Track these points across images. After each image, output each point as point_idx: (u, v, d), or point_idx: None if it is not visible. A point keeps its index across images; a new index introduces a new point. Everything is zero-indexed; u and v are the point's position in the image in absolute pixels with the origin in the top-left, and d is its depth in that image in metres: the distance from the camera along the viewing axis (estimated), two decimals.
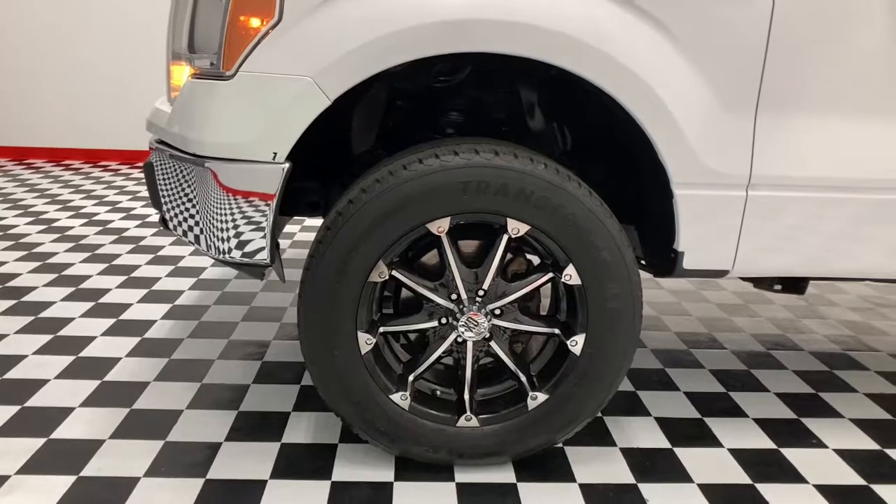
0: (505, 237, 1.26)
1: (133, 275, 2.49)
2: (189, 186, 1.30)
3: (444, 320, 1.32)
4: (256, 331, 2.04)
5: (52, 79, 4.56)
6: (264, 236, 1.26)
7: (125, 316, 2.11)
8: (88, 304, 2.19)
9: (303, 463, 1.40)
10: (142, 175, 4.26)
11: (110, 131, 4.71)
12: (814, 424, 1.63)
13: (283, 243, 2.97)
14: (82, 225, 3.14)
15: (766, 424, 1.62)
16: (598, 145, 1.52)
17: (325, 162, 1.61)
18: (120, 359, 1.82)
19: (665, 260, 1.36)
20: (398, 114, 1.59)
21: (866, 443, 1.55)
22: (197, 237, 1.35)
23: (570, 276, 1.27)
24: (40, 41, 4.51)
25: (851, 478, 1.41)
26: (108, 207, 3.49)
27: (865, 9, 1.21)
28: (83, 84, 4.59)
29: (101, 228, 3.09)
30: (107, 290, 2.32)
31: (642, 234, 1.51)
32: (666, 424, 1.60)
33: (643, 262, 1.52)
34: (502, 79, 1.51)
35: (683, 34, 1.19)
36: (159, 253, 2.76)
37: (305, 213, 1.68)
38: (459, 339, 1.32)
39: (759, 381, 1.84)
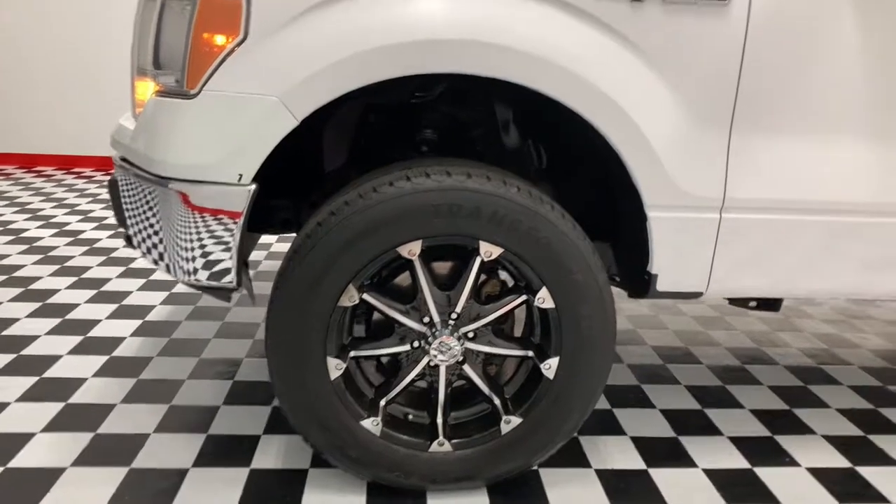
0: (478, 260, 1.24)
1: (103, 289, 2.43)
2: (153, 207, 1.26)
3: (416, 344, 1.30)
4: (228, 348, 1.99)
5: (24, 84, 4.47)
6: (230, 259, 1.23)
7: (93, 333, 2.05)
8: (55, 321, 2.12)
9: (273, 489, 1.36)
10: None
11: (85, 137, 4.62)
12: (787, 442, 1.64)
13: (259, 254, 2.92)
14: (52, 235, 3.06)
15: (740, 443, 1.62)
16: (574, 163, 1.52)
17: (297, 179, 1.58)
18: (86, 379, 1.77)
19: (639, 281, 1.35)
20: (372, 130, 1.57)
21: (838, 460, 1.56)
22: (161, 258, 1.31)
23: (544, 299, 1.26)
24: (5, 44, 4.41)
25: (824, 499, 1.42)
26: (80, 217, 3.40)
27: (839, 32, 1.22)
28: (56, 89, 4.50)
29: (71, 239, 3.02)
30: (75, 306, 2.26)
31: (617, 252, 1.51)
32: (641, 444, 1.59)
33: (617, 279, 1.52)
34: (478, 95, 1.50)
35: (656, 55, 1.19)
36: (131, 265, 2.69)
37: (277, 229, 1.65)
38: (432, 364, 1.30)
39: (734, 396, 1.84)
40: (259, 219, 1.60)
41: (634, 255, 1.35)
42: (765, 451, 1.59)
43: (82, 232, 3.14)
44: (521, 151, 1.55)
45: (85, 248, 2.89)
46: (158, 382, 1.77)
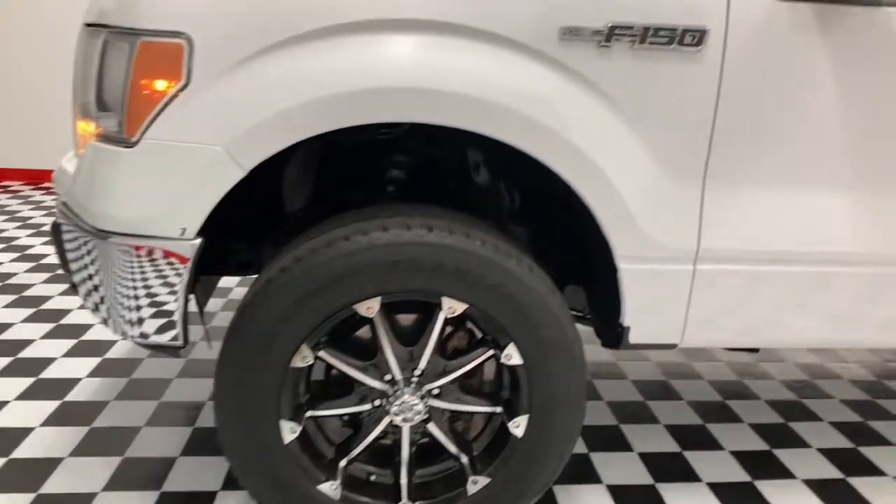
0: (441, 317, 1.18)
1: (62, 321, 2.32)
2: (93, 260, 1.18)
3: (377, 403, 1.23)
4: (191, 389, 1.90)
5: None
6: (175, 318, 1.15)
7: (46, 374, 1.94)
8: (5, 361, 2.01)
9: None
10: None
11: (54, 151, 4.48)
12: (766, 487, 1.58)
13: (224, 287, 2.82)
14: (13, 261, 2.94)
15: (718, 489, 1.56)
16: (546, 206, 1.46)
17: (256, 218, 1.50)
18: (33, 429, 1.67)
19: (611, 332, 1.29)
20: (336, 170, 1.50)
21: None
22: (100, 310, 1.22)
23: (511, 355, 1.19)
24: None
25: None
26: (45, 239, 3.28)
27: (813, 81, 1.17)
28: (20, 103, 4.36)
29: (33, 265, 2.90)
30: (30, 342, 2.15)
31: (590, 298, 1.44)
32: (617, 493, 1.53)
33: (584, 315, 1.45)
34: (448, 134, 1.43)
35: (626, 102, 1.12)
36: None
37: (236, 272, 1.57)
38: (394, 423, 1.23)
39: (713, 436, 1.79)
40: (216, 261, 1.52)
41: (607, 304, 1.29)
42: (744, 498, 1.53)
43: (44, 256, 3.01)
44: (493, 192, 1.49)
45: (47, 275, 2.76)
46: (113, 431, 1.68)
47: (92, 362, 2.02)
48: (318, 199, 1.49)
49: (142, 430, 1.69)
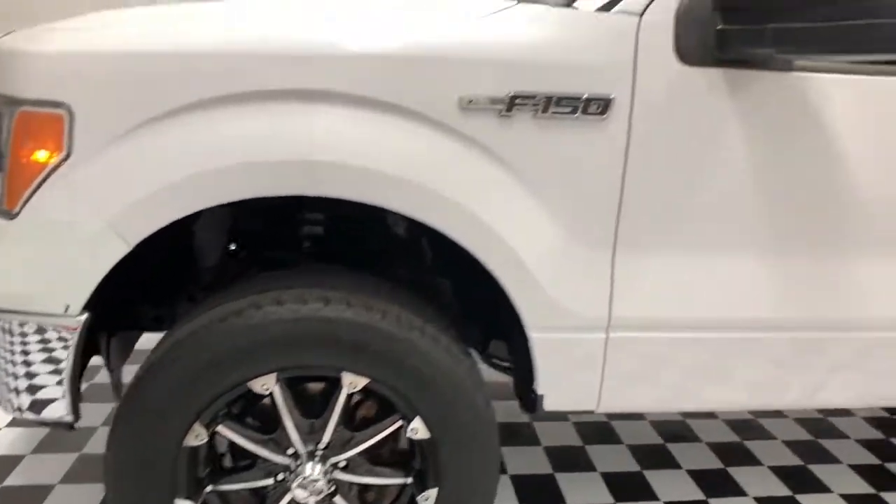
0: (343, 393, 1.13)
1: None
2: None
3: (280, 477, 1.19)
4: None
5: None
6: (62, 395, 1.10)
7: None
8: None
9: None
10: None
11: None
12: None
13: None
14: None
15: None
16: (463, 262, 1.42)
17: (167, 275, 1.45)
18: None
19: (528, 398, 1.26)
20: (250, 226, 1.45)
21: None
22: None
23: (417, 429, 1.15)
24: None
25: None
26: None
27: (724, 145, 1.14)
28: None
29: None
30: None
31: (511, 356, 1.39)
32: None
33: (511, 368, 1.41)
34: None
35: (531, 172, 1.09)
36: None
37: (150, 327, 1.52)
38: (297, 500, 1.18)
39: (648, 484, 1.76)
40: (128, 318, 1.47)
41: (523, 368, 1.26)
42: None
43: None
44: (413, 247, 1.45)
45: None
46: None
47: None
48: (233, 254, 1.45)
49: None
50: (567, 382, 1.21)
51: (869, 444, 2.00)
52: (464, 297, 1.45)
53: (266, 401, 1.21)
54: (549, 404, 1.22)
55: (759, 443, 1.98)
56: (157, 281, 1.43)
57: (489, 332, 1.45)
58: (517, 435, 1.92)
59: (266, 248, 1.41)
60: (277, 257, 1.38)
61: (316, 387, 1.21)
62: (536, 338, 1.17)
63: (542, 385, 1.20)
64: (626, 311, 1.18)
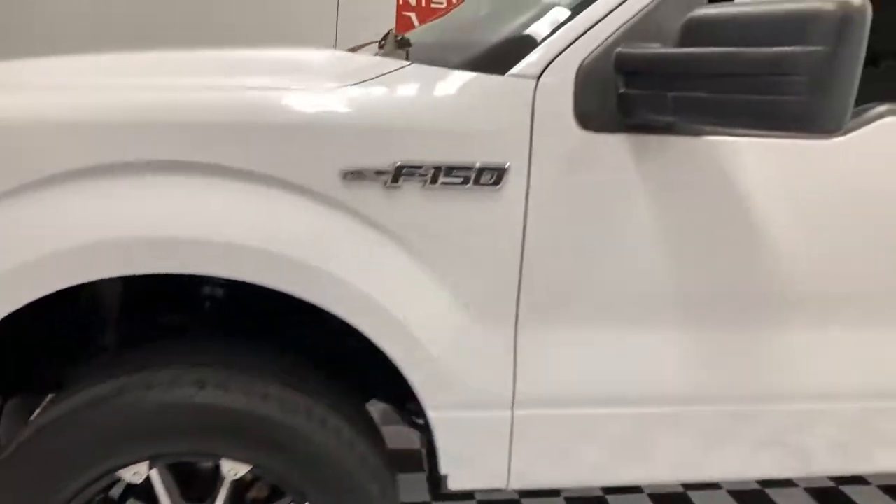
0: (226, 482, 1.05)
1: None
2: None
3: None
4: None
5: None
6: None
7: None
8: None
9: None
10: None
11: None
12: None
13: None
14: None
15: None
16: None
17: (69, 335, 1.37)
18: None
19: (433, 477, 1.19)
20: (145, 288, 1.36)
21: None
22: None
23: None
24: None
25: None
26: None
27: (630, 213, 1.07)
28: None
29: None
30: None
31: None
32: None
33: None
34: None
35: (422, 245, 1.02)
36: None
37: (47, 390, 1.43)
38: None
39: None
40: (26, 381, 1.38)
41: (428, 447, 1.19)
42: None
43: None
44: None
45: None
46: None
47: None
48: (130, 316, 1.37)
49: None
50: (472, 461, 1.13)
51: None
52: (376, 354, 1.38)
53: (146, 485, 1.13)
54: (454, 484, 1.14)
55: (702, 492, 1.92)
56: (57, 342, 1.35)
57: (402, 400, 1.38)
58: None
59: (163, 309, 1.33)
60: (172, 322, 1.30)
61: (205, 467, 1.14)
62: (435, 417, 1.09)
63: (445, 464, 1.12)
64: (531, 387, 1.10)
